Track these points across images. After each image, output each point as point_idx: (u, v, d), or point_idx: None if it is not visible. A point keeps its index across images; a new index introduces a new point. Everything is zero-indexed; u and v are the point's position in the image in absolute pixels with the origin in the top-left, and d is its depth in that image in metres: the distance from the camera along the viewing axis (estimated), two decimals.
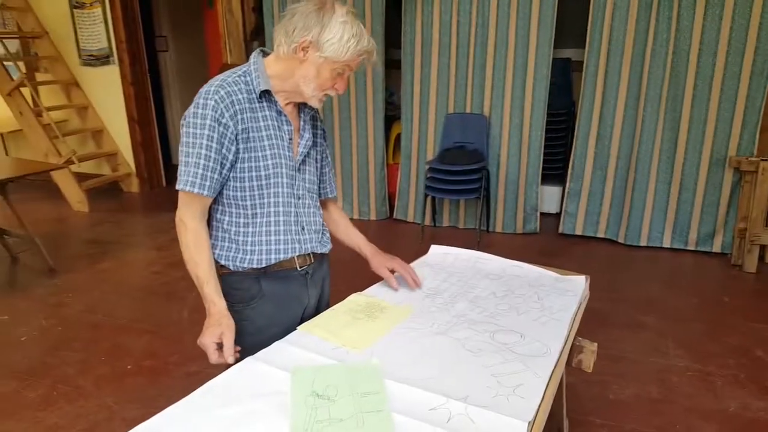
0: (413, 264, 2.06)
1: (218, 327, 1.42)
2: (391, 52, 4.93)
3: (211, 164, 1.45)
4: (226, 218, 1.57)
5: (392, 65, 5.01)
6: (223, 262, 1.57)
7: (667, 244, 4.29)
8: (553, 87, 4.42)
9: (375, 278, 1.88)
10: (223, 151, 1.46)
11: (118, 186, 6.16)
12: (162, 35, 6.98)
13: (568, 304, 1.74)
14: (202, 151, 1.43)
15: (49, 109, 5.49)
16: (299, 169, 1.61)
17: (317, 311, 1.71)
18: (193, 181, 1.45)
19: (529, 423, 1.18)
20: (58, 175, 5.41)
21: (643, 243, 4.33)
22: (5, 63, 5.34)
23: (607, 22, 4.05)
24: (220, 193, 1.54)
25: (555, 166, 5.00)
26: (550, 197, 4.99)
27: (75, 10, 5.75)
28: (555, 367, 1.40)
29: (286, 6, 4.68)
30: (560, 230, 4.59)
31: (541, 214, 4.77)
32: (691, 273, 4.01)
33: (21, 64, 5.81)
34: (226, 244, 1.57)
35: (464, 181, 4.32)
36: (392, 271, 1.83)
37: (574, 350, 1.74)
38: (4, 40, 5.41)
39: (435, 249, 2.19)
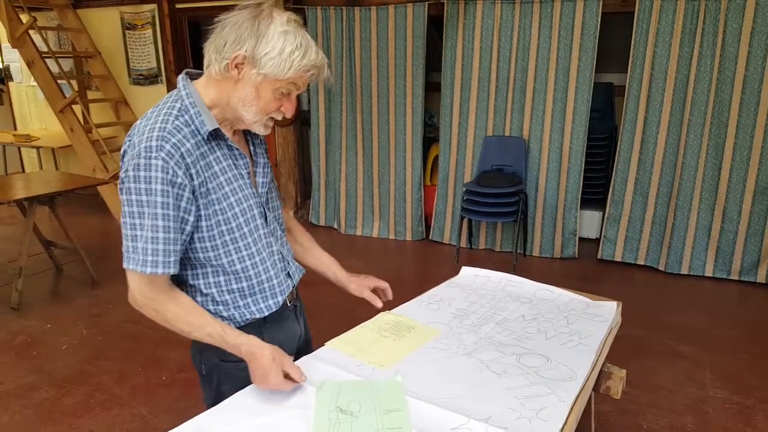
0: (443, 285, 2.07)
1: (273, 364, 1.28)
2: (431, 75, 4.98)
3: (171, 236, 1.21)
4: (201, 281, 1.35)
5: (432, 88, 5.05)
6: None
7: (709, 273, 4.16)
8: (594, 111, 4.38)
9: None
10: (182, 215, 1.23)
11: None
12: None
13: (598, 330, 1.72)
14: (158, 222, 1.19)
15: (98, 126, 5.70)
16: (267, 201, 1.42)
17: (306, 335, 1.62)
18: (154, 261, 1.21)
19: None
20: (105, 190, 5.61)
21: (684, 271, 4.21)
22: (59, 81, 5.60)
23: (650, 48, 4.00)
24: (186, 256, 1.31)
25: (596, 191, 4.92)
26: (590, 222, 4.90)
27: (127, 31, 6.01)
28: (580, 392, 1.38)
29: (329, 25, 4.84)
30: (599, 256, 4.50)
31: (581, 239, 4.70)
32: (733, 303, 3.87)
33: (74, 82, 6.07)
34: (212, 306, 1.37)
35: (501, 204, 4.29)
36: (373, 290, 1.71)
37: (603, 376, 1.70)
38: (59, 59, 5.68)
39: (466, 270, 2.19)
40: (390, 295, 1.73)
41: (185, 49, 6.00)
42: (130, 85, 6.19)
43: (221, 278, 1.35)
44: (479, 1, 4.38)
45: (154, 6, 5.75)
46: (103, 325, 3.50)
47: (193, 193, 1.23)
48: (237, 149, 1.32)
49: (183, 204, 1.22)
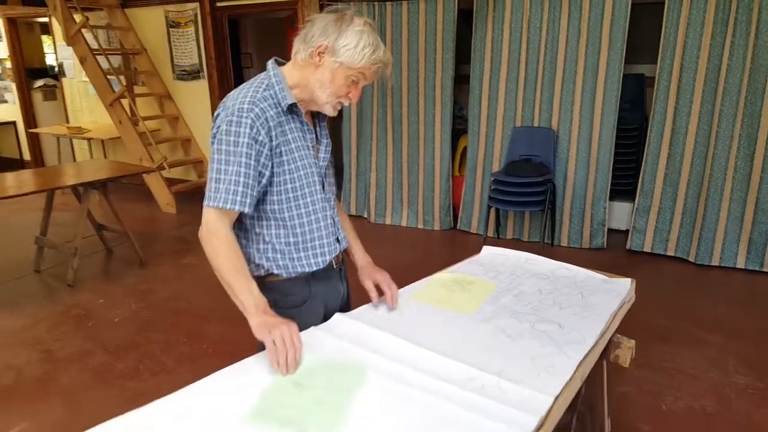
0: (464, 262, 2.19)
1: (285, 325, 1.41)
2: (461, 67, 5.08)
3: (250, 181, 1.45)
4: (265, 231, 1.58)
5: (462, 80, 5.15)
6: (276, 271, 1.59)
7: (740, 265, 4.16)
8: (624, 102, 4.41)
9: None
10: (260, 168, 1.47)
11: (203, 191, 6.55)
12: (247, 53, 7.46)
13: (611, 303, 1.81)
14: (241, 168, 1.44)
15: (144, 118, 6.00)
16: (325, 174, 1.66)
17: (348, 299, 1.82)
18: (234, 199, 1.44)
19: (555, 397, 1.28)
20: (151, 179, 5.90)
21: (714, 263, 4.22)
22: (109, 76, 5.90)
23: (681, 38, 4.03)
24: (257, 207, 1.55)
25: (626, 182, 4.94)
26: (620, 213, 4.92)
27: (171, 29, 6.28)
28: (588, 353, 1.49)
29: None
30: (628, 246, 4.54)
31: (611, 230, 4.74)
32: (764, 295, 3.85)
33: (122, 77, 6.37)
34: (271, 254, 1.59)
35: (528, 193, 4.37)
36: (376, 285, 1.76)
37: (612, 346, 1.81)
38: (108, 56, 5.98)
39: (487, 249, 2.30)
40: (395, 303, 1.72)
41: (225, 46, 6.24)
42: (173, 80, 6.47)
43: (281, 231, 1.58)
44: None
45: (196, 5, 6.02)
46: (150, 301, 3.75)
47: (271, 151, 1.48)
48: (307, 124, 1.57)
49: (262, 159, 1.47)
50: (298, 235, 1.59)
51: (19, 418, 2.58)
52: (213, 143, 1.47)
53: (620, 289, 1.93)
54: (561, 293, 1.90)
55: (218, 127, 1.47)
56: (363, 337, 1.53)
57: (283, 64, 1.59)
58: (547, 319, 1.69)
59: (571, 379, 1.37)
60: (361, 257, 1.83)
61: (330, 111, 1.57)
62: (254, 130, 1.44)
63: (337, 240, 1.70)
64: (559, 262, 2.15)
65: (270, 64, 1.56)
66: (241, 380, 1.36)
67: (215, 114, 1.52)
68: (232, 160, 1.44)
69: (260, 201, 1.55)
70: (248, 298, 1.46)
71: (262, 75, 1.55)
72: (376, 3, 4.93)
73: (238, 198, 1.45)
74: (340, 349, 1.47)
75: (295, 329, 1.41)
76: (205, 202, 1.47)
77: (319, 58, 1.48)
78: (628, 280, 2.00)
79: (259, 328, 1.42)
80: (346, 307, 1.78)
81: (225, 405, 1.26)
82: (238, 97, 1.47)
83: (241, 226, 1.58)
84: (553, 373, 1.38)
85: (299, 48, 1.52)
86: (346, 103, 1.57)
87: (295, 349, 1.37)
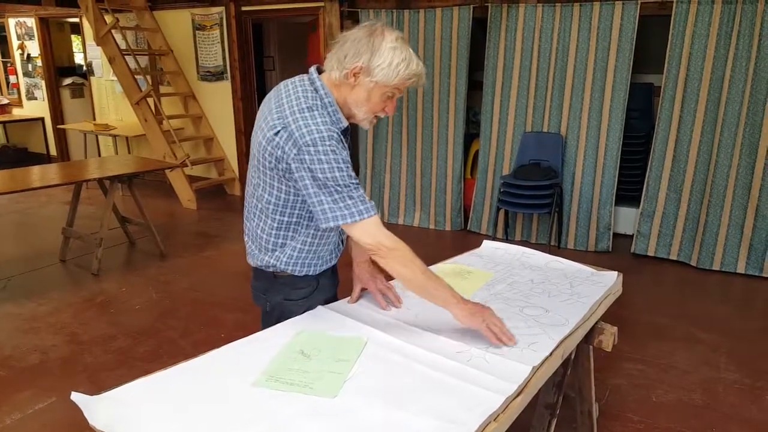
0: (464, 254, 2.35)
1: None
2: (475, 73, 5.24)
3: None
4: (290, 241, 1.65)
5: (476, 86, 5.30)
6: (297, 273, 1.69)
7: (740, 270, 4.26)
8: (633, 111, 4.52)
9: None
10: None
11: (222, 188, 6.84)
12: (270, 56, 7.69)
13: (596, 292, 1.96)
14: (355, 181, 1.50)
15: (169, 117, 6.23)
16: None
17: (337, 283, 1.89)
18: (372, 205, 1.51)
19: (534, 368, 1.44)
20: (173, 175, 6.12)
21: (715, 267, 4.32)
22: (136, 76, 6.15)
23: (686, 49, 4.15)
24: (300, 215, 1.61)
25: (633, 188, 5.04)
26: (627, 218, 5.01)
27: (197, 32, 6.52)
28: (569, 334, 1.64)
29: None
30: (632, 250, 4.65)
31: (618, 234, 4.86)
32: (762, 299, 3.96)
33: (148, 77, 6.63)
34: (290, 258, 1.67)
35: (536, 196, 4.51)
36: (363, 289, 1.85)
37: (596, 332, 1.95)
38: (136, 56, 6.22)
39: (487, 243, 2.47)
40: (397, 302, 1.82)
41: (249, 49, 6.46)
42: (198, 81, 6.70)
43: (313, 239, 1.68)
44: (521, 4, 4.63)
45: (222, 8, 6.24)
46: (169, 291, 3.96)
47: None
48: (348, 137, 1.62)
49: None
50: (323, 237, 1.68)
51: (48, 393, 2.76)
52: (311, 170, 1.46)
53: (607, 281, 2.07)
54: (551, 283, 2.05)
55: (310, 156, 1.45)
56: (363, 316, 1.70)
57: (322, 71, 1.59)
58: (535, 305, 1.84)
59: (551, 354, 1.52)
60: (358, 254, 1.86)
61: (367, 125, 1.63)
62: (343, 154, 1.48)
63: (342, 241, 1.82)
64: (554, 256, 2.30)
65: (317, 79, 1.56)
66: (254, 347, 1.54)
67: (274, 129, 1.50)
68: (345, 181, 1.47)
69: (299, 208, 1.60)
70: (449, 293, 1.59)
71: (308, 90, 1.54)
72: (394, 10, 5.11)
73: (373, 204, 1.53)
74: (343, 325, 1.64)
75: (493, 311, 1.61)
76: (350, 219, 1.49)
77: (354, 79, 1.50)
78: (615, 273, 2.14)
79: (470, 317, 1.57)
80: (335, 288, 1.90)
81: (239, 368, 1.43)
82: (308, 123, 1.47)
83: (263, 232, 1.65)
84: (535, 349, 1.53)
85: (333, 66, 1.52)
86: (382, 116, 1.61)
87: (503, 324, 1.58)
